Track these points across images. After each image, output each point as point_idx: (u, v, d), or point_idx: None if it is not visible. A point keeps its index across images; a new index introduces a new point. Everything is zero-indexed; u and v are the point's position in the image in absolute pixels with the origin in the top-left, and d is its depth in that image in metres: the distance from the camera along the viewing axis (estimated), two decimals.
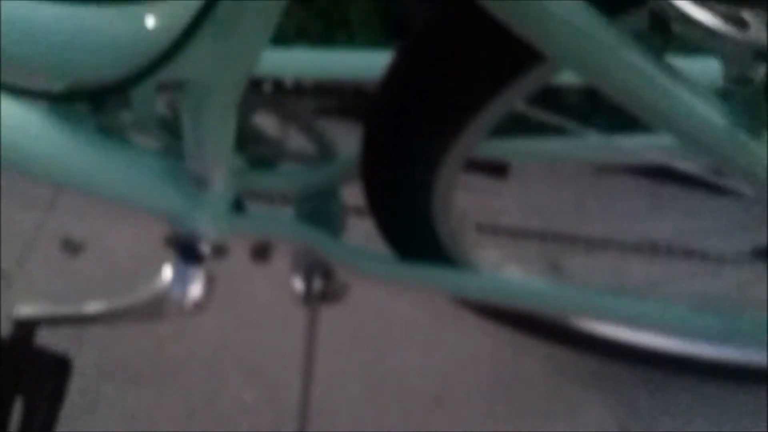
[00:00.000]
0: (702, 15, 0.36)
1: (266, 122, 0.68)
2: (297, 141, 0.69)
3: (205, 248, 0.65)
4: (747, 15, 0.35)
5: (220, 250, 0.67)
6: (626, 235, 0.95)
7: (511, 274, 0.82)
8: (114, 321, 0.73)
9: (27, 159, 0.60)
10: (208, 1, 0.42)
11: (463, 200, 0.70)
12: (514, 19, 0.41)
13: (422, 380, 0.97)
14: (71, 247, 1.08)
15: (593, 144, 0.69)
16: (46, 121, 0.60)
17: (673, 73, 0.44)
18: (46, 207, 1.11)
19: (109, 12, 0.48)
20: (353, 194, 0.69)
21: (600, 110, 0.97)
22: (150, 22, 0.46)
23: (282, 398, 0.95)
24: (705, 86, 0.47)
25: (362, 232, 0.73)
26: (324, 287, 0.72)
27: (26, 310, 0.75)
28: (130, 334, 0.99)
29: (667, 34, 0.37)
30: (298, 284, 0.73)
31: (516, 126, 0.66)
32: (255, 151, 0.69)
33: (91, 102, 0.63)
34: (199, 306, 0.68)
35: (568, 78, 0.55)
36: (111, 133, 0.64)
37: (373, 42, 1.17)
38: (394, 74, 0.55)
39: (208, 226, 0.64)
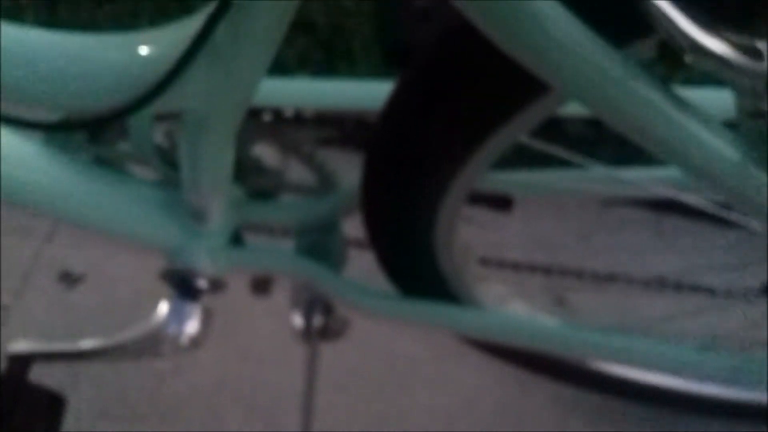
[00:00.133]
0: (715, 45, 0.34)
1: (266, 153, 0.67)
2: (297, 172, 0.68)
3: (202, 283, 0.64)
4: (762, 45, 0.34)
5: (217, 285, 0.66)
6: (632, 270, 0.94)
7: (515, 309, 0.81)
8: (109, 358, 0.72)
9: (21, 191, 0.59)
10: (203, 30, 0.41)
11: (466, 233, 0.69)
12: (519, 49, 0.40)
13: (426, 418, 0.95)
14: (69, 279, 1.07)
15: (599, 177, 0.68)
16: (41, 152, 0.59)
17: (683, 104, 0.43)
18: (44, 238, 1.10)
19: (103, 40, 0.47)
20: (354, 226, 0.68)
21: (605, 142, 0.96)
22: (145, 50, 0.46)
23: None
24: (715, 118, 0.45)
25: (363, 264, 0.72)
26: (324, 323, 0.71)
27: (21, 345, 0.73)
28: (127, 370, 0.98)
29: (677, 65, 0.36)
30: (297, 320, 0.72)
31: (520, 158, 0.65)
32: (254, 182, 0.68)
33: (88, 132, 0.62)
34: (196, 342, 0.66)
35: (572, 109, 0.54)
36: (108, 164, 0.63)
37: (376, 71, 1.17)
38: (395, 105, 0.54)
39: (205, 260, 0.63)
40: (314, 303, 0.72)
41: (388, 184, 0.60)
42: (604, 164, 0.65)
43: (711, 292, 0.91)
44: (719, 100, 0.60)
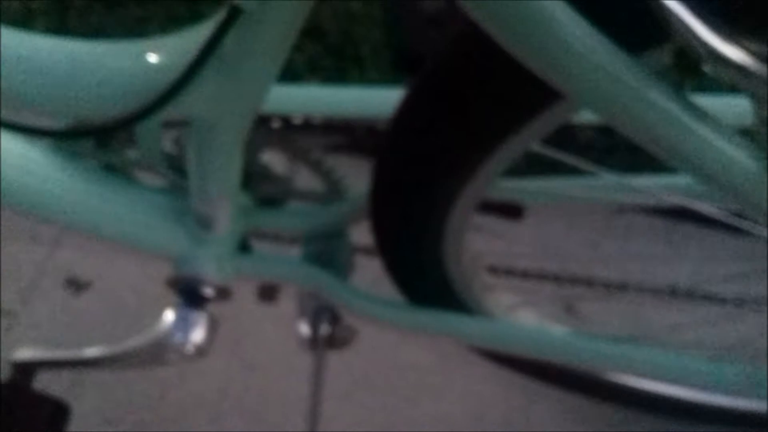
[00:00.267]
0: (733, 53, 0.34)
1: (274, 160, 0.67)
2: (305, 179, 0.68)
3: (208, 291, 0.63)
4: None
5: (224, 293, 0.65)
6: (643, 278, 0.93)
7: (524, 318, 0.80)
8: (115, 366, 0.71)
9: (28, 197, 0.59)
10: (213, 38, 0.41)
11: (475, 241, 0.68)
12: (532, 56, 0.40)
13: (432, 427, 0.94)
14: (75, 286, 1.07)
15: (610, 184, 0.67)
16: (48, 159, 0.59)
17: (699, 113, 0.43)
18: (50, 244, 1.09)
19: (112, 48, 0.47)
20: (361, 233, 0.68)
21: (616, 149, 0.95)
22: (154, 58, 0.45)
23: None
24: (730, 126, 0.45)
25: (371, 273, 0.71)
26: (331, 332, 0.70)
27: (26, 353, 0.73)
28: (131, 377, 0.97)
29: (694, 73, 0.36)
30: (304, 328, 0.71)
31: (530, 165, 0.65)
32: (262, 189, 0.68)
33: (95, 139, 0.62)
34: (202, 350, 0.66)
35: (583, 116, 0.54)
36: (115, 170, 0.63)
37: (385, 77, 1.16)
38: (406, 111, 0.53)
39: (212, 268, 0.63)
40: (321, 311, 0.72)
41: (397, 192, 0.60)
42: (615, 171, 0.65)
43: (722, 301, 0.91)
44: (733, 107, 0.60)
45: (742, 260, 1.00)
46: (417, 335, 0.93)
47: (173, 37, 0.47)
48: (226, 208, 0.61)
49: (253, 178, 0.66)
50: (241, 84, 0.46)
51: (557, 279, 0.88)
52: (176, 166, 0.62)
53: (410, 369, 0.98)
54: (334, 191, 0.69)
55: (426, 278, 0.69)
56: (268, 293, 0.79)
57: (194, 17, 1.18)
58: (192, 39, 0.44)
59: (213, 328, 0.66)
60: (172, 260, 0.64)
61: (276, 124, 0.64)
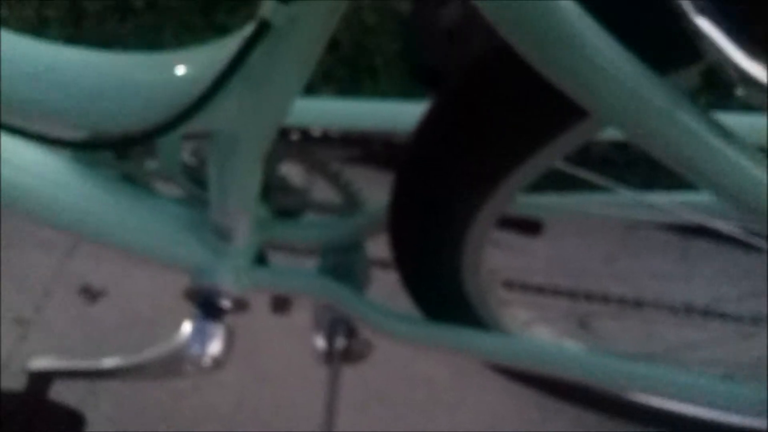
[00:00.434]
0: (759, 72, 0.34)
1: (292, 172, 0.67)
2: (322, 191, 0.68)
3: (226, 303, 0.63)
4: None
5: (241, 305, 0.65)
6: (658, 295, 0.92)
7: (539, 334, 0.79)
8: (131, 377, 0.71)
9: (46, 207, 0.59)
10: (240, 53, 0.41)
11: (491, 256, 0.68)
12: (559, 73, 0.40)
13: None
14: (90, 294, 1.07)
15: (628, 201, 0.67)
16: (67, 168, 0.59)
17: (724, 132, 0.42)
18: (65, 252, 1.10)
19: (137, 60, 0.47)
20: (378, 246, 0.67)
21: (635, 165, 0.95)
22: (180, 71, 0.45)
23: None
24: (754, 145, 0.45)
25: (387, 286, 0.71)
26: (347, 345, 0.70)
27: (41, 362, 0.73)
28: (146, 387, 0.97)
29: (725, 94, 0.35)
30: (319, 341, 0.71)
31: (548, 180, 0.64)
32: (279, 201, 0.68)
33: (115, 149, 0.62)
34: (219, 363, 0.66)
35: (603, 132, 0.53)
36: (134, 180, 0.63)
37: (399, 89, 1.17)
38: (429, 125, 0.53)
39: (230, 279, 0.63)
40: (337, 324, 0.72)
41: (417, 206, 0.60)
42: (633, 188, 0.65)
43: (738, 319, 0.90)
44: (750, 125, 0.60)
45: (758, 278, 1.00)
46: (432, 349, 0.93)
47: (197, 51, 0.47)
48: (245, 220, 0.61)
49: (271, 189, 0.66)
50: (266, 98, 0.46)
51: (572, 295, 0.88)
52: (195, 177, 0.62)
53: (425, 383, 0.98)
54: (351, 204, 0.69)
55: (443, 293, 0.69)
56: (280, 305, 0.79)
57: (209, 27, 1.19)
58: (218, 53, 0.44)
59: (230, 340, 0.66)
60: (189, 271, 0.64)
61: (295, 137, 0.65)
